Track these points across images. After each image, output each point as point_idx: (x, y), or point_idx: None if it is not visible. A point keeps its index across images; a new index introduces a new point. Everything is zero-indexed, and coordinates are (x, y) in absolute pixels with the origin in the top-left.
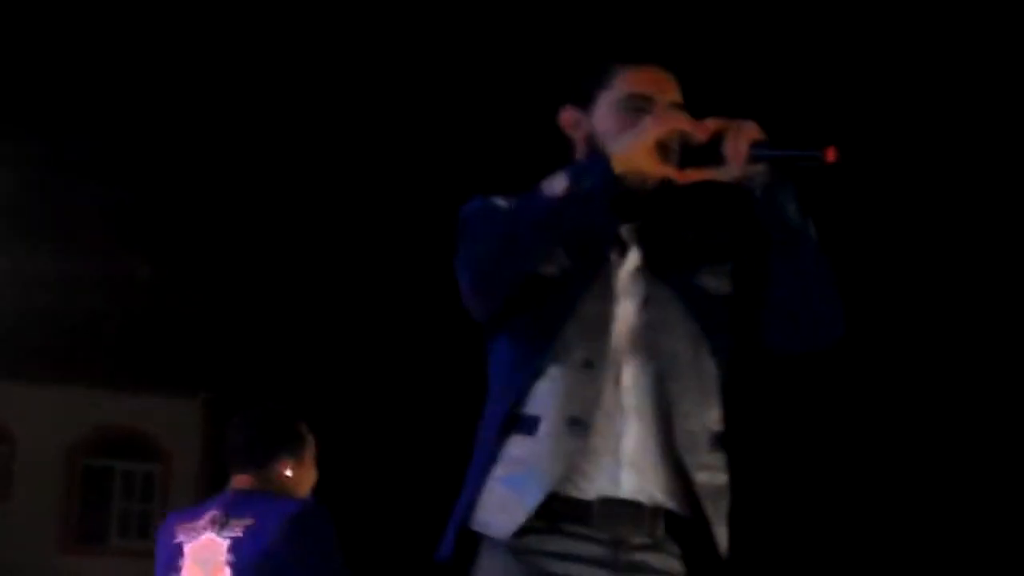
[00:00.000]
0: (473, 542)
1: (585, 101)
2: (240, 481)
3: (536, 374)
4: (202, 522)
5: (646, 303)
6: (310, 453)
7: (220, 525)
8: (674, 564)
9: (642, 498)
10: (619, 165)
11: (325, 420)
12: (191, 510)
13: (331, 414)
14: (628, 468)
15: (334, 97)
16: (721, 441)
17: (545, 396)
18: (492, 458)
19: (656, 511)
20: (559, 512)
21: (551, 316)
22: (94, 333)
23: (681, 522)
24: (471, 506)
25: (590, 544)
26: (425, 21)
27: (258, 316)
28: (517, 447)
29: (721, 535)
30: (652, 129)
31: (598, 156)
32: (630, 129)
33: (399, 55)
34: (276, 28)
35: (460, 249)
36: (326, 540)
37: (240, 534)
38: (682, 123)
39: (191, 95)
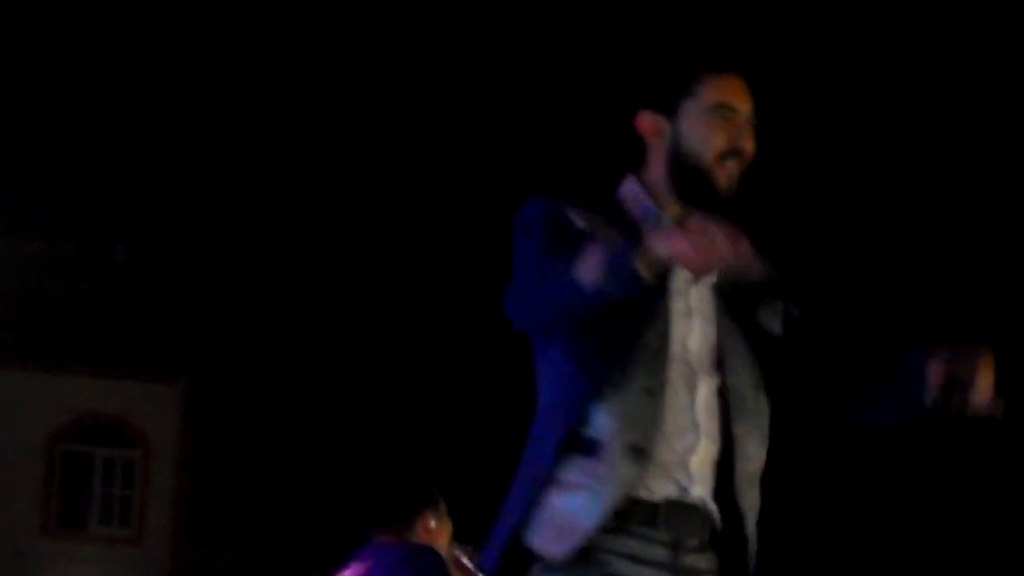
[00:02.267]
0: (518, 554)
1: (668, 108)
2: (381, 540)
3: (598, 399)
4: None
5: (717, 327)
6: (443, 505)
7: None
8: (716, 564)
9: (700, 504)
10: (646, 270)
11: (308, 409)
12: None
13: (314, 402)
14: (694, 480)
15: (334, 92)
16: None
17: (607, 421)
18: (548, 478)
19: (708, 515)
20: (628, 513)
21: (615, 344)
22: (73, 319)
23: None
24: (522, 524)
25: (653, 546)
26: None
27: (237, 301)
28: (576, 470)
29: (752, 554)
30: (680, 247)
31: (624, 260)
32: (719, 134)
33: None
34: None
35: (515, 262)
36: None
37: (360, 573)
38: (713, 258)
39: (166, 81)
